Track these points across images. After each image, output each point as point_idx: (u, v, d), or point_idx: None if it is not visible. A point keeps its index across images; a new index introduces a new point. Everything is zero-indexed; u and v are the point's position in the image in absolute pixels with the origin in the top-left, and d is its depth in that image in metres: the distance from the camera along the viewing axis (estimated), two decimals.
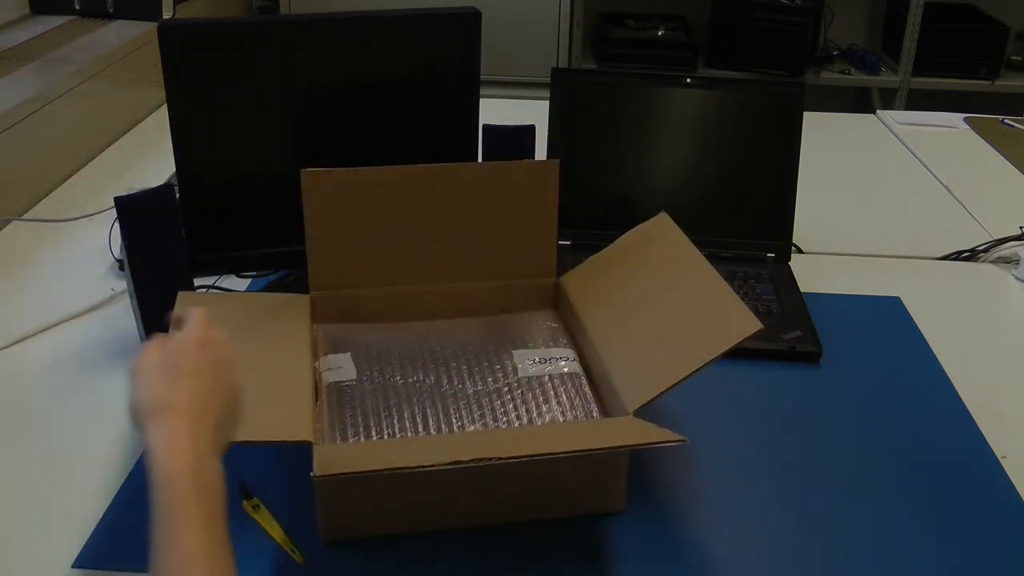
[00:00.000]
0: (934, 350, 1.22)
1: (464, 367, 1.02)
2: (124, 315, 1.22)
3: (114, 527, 0.89)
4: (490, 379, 1.00)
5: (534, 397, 0.98)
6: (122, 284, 1.29)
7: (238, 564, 0.86)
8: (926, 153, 1.88)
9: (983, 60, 3.17)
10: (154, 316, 1.10)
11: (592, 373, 1.01)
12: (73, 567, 0.85)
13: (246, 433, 0.76)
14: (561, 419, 0.95)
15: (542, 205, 1.08)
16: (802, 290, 1.30)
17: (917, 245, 1.50)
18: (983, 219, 1.59)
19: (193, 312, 0.75)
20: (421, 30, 1.16)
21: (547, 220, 1.09)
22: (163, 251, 1.08)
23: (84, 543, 0.87)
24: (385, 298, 1.08)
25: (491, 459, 0.77)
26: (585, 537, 0.90)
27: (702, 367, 0.89)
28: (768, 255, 1.37)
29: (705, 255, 1.36)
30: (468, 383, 1.00)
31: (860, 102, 3.38)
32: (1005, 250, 1.47)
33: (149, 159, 1.72)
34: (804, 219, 1.39)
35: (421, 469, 0.76)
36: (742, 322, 0.90)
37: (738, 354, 1.17)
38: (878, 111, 2.16)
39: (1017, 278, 1.41)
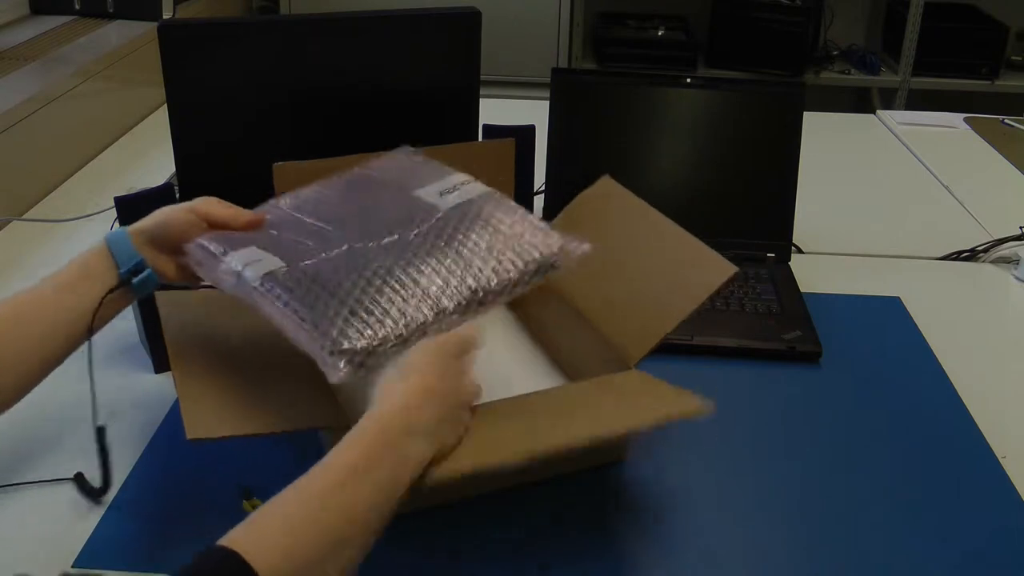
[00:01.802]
0: (934, 350, 1.22)
1: (384, 228, 0.91)
2: (124, 315, 1.21)
3: (114, 527, 0.89)
4: (418, 226, 0.91)
5: (474, 222, 0.91)
6: None
7: None
8: (926, 153, 1.88)
9: (983, 60, 3.18)
10: (154, 316, 1.10)
11: (577, 337, 1.01)
12: (73, 567, 0.85)
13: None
14: (513, 229, 0.91)
15: (502, 181, 1.08)
16: (802, 290, 1.30)
17: (917, 245, 1.50)
18: (983, 219, 1.59)
19: (468, 326, 0.82)
20: (421, 30, 1.17)
21: (506, 194, 1.04)
22: None
23: (84, 543, 0.87)
24: None
25: (540, 451, 0.77)
26: (583, 536, 0.90)
27: (693, 311, 0.92)
28: (768, 255, 1.37)
29: None
30: (401, 234, 0.89)
31: (860, 102, 3.38)
32: (1005, 250, 1.47)
33: (149, 159, 1.72)
34: (804, 219, 1.39)
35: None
36: (719, 267, 0.93)
37: (738, 354, 1.18)
38: (878, 111, 2.16)
39: (1017, 278, 1.41)
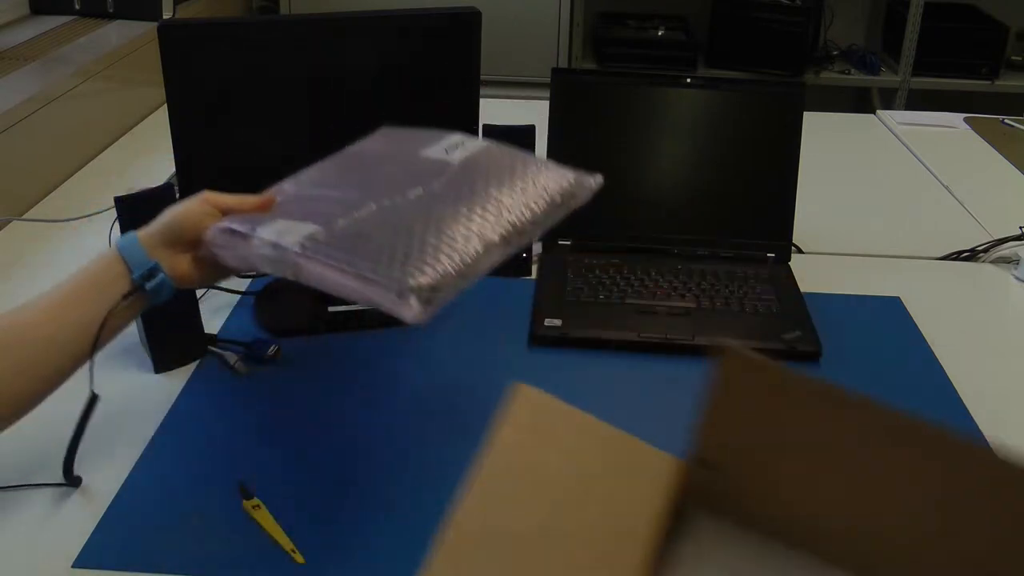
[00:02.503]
0: (934, 350, 1.22)
1: (404, 186, 0.91)
2: None
3: (114, 527, 0.89)
4: (436, 178, 0.92)
5: (490, 168, 0.93)
6: None
7: (238, 564, 0.86)
8: (926, 153, 1.88)
9: (983, 60, 3.18)
10: (154, 316, 1.10)
11: None
12: (73, 567, 0.85)
13: None
14: (528, 170, 0.93)
15: None
16: (802, 290, 1.30)
17: (917, 245, 1.50)
18: (983, 219, 1.59)
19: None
20: (421, 30, 1.17)
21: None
22: None
23: (84, 543, 0.87)
24: None
25: None
26: None
27: None
28: (768, 255, 1.37)
29: (705, 255, 1.37)
30: (425, 187, 0.90)
31: (860, 102, 3.38)
32: (1005, 250, 1.47)
33: (149, 159, 1.72)
34: (804, 219, 1.39)
35: None
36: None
37: None
38: (878, 111, 2.16)
39: (1017, 278, 1.41)
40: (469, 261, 0.81)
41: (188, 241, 0.87)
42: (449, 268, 0.79)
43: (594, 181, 0.96)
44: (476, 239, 0.83)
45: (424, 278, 0.77)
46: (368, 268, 0.79)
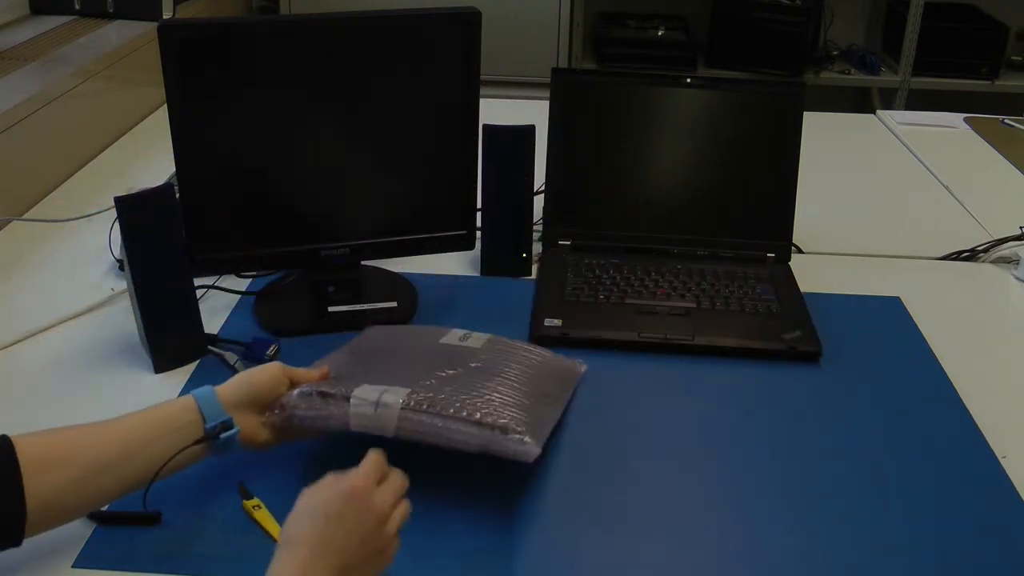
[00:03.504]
0: (934, 350, 1.22)
1: (437, 368, 1.00)
2: (124, 315, 1.22)
3: (114, 527, 0.89)
4: (467, 362, 1.02)
5: (510, 356, 1.04)
6: (122, 284, 1.29)
7: (238, 564, 0.86)
8: (926, 153, 1.88)
9: (983, 60, 3.17)
10: (154, 316, 1.10)
11: None
12: (73, 567, 0.85)
13: None
14: (542, 358, 1.07)
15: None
16: (802, 290, 1.30)
17: (917, 245, 1.50)
18: (983, 219, 1.59)
19: (370, 456, 0.80)
20: (421, 30, 1.17)
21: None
22: (163, 251, 1.08)
23: (84, 543, 0.87)
24: None
25: None
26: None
27: None
28: (768, 255, 1.37)
29: (705, 255, 1.36)
30: (461, 369, 1.00)
31: (860, 102, 3.38)
32: (1005, 250, 1.47)
33: (149, 159, 1.72)
34: (804, 219, 1.39)
35: None
36: None
37: (738, 354, 1.18)
38: (878, 111, 2.16)
39: (1017, 278, 1.41)
40: (540, 416, 0.93)
41: (261, 404, 0.92)
42: (529, 415, 0.91)
43: (583, 368, 1.11)
44: (515, 405, 0.94)
45: (518, 424, 0.89)
46: (479, 414, 0.89)
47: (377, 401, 0.91)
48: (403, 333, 1.14)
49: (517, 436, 0.88)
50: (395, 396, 0.91)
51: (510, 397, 0.94)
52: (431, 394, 0.92)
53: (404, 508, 0.81)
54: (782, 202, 1.37)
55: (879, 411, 1.10)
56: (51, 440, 0.82)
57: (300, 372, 0.96)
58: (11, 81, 1.67)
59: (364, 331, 1.14)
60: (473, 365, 1.01)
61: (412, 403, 0.90)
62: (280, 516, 0.90)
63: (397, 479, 0.81)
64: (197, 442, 0.87)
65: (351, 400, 0.91)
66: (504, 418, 0.89)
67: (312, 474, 0.96)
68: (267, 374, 0.94)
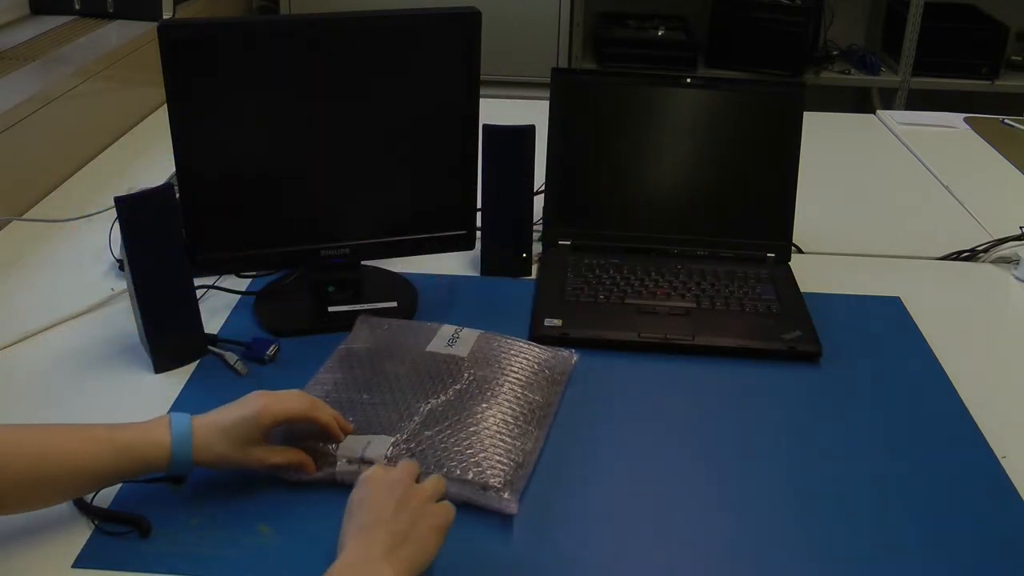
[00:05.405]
0: (934, 350, 1.22)
1: (429, 390, 1.05)
2: (124, 315, 1.22)
3: (114, 527, 0.89)
4: (457, 382, 1.07)
5: (500, 364, 1.09)
6: (122, 284, 1.29)
7: (238, 564, 0.86)
8: (926, 153, 1.88)
9: (983, 60, 3.17)
10: (154, 316, 1.10)
11: None
12: (73, 567, 0.85)
13: None
14: (531, 356, 1.11)
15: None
16: (802, 290, 1.30)
17: (917, 245, 1.50)
18: (983, 219, 1.59)
19: (405, 462, 0.87)
20: (421, 30, 1.16)
21: None
22: (163, 251, 1.08)
23: (84, 543, 0.87)
24: None
25: None
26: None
27: None
28: (768, 255, 1.37)
29: (705, 255, 1.36)
30: (452, 391, 1.05)
31: (860, 102, 3.38)
32: (1005, 250, 1.47)
33: (149, 159, 1.72)
34: (804, 219, 1.39)
35: None
36: None
37: (738, 354, 1.18)
38: (878, 111, 2.16)
39: (1017, 278, 1.41)
40: (515, 453, 0.96)
41: (256, 440, 0.91)
42: (510, 462, 0.95)
43: (574, 358, 1.14)
44: (507, 430, 0.99)
45: (497, 479, 0.92)
46: (459, 471, 0.93)
47: (361, 458, 0.94)
48: (392, 335, 1.15)
49: (495, 494, 0.91)
50: (379, 449, 0.95)
51: (496, 435, 0.98)
52: (413, 444, 0.96)
53: (447, 506, 0.84)
54: (782, 202, 1.37)
55: (879, 411, 1.10)
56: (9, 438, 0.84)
57: (327, 419, 0.95)
58: (11, 81, 1.67)
59: (355, 326, 1.16)
60: (458, 387, 1.05)
61: (396, 455, 0.94)
62: (281, 515, 0.90)
63: (433, 480, 0.87)
64: (151, 481, 0.90)
65: (337, 460, 0.95)
66: (485, 472, 0.92)
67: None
68: (294, 407, 0.93)
